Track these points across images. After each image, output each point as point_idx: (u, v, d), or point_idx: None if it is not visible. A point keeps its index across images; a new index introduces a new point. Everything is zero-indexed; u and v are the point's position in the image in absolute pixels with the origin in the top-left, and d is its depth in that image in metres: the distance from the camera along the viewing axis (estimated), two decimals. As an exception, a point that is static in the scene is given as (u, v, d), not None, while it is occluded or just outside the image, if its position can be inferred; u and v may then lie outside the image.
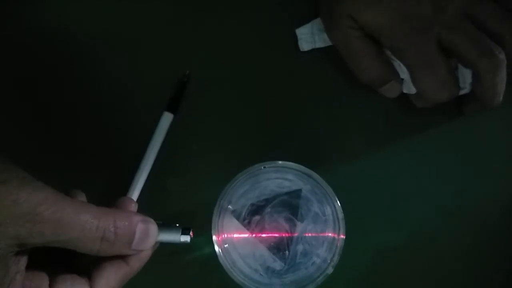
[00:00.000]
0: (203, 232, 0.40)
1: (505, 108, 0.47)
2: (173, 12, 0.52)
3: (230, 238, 0.41)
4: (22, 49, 0.51)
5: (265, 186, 0.43)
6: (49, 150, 0.49)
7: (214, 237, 0.40)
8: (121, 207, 0.37)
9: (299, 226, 0.42)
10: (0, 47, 0.50)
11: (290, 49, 0.51)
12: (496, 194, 0.49)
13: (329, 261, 0.40)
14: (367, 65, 0.47)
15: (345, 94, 0.50)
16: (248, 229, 0.42)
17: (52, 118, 0.50)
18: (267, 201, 0.42)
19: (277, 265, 0.41)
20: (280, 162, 0.40)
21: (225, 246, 0.40)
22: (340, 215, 0.40)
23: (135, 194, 0.47)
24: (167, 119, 0.48)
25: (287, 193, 0.43)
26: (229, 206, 0.41)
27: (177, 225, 0.37)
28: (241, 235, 0.42)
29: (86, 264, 0.35)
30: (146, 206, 0.41)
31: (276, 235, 0.42)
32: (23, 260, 0.31)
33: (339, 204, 0.40)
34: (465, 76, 0.46)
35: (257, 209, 0.42)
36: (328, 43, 0.50)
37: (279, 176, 0.43)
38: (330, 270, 0.39)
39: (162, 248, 0.38)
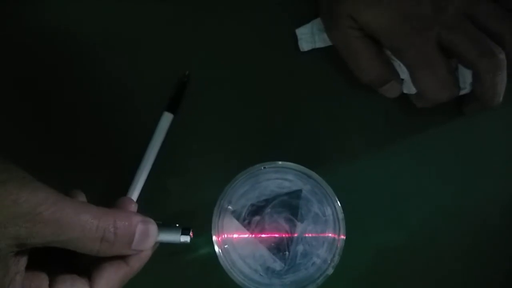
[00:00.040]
0: (203, 232, 0.40)
1: (505, 108, 0.47)
2: (173, 12, 0.52)
3: (230, 238, 0.41)
4: (22, 49, 0.51)
5: (265, 187, 0.43)
6: (49, 150, 0.49)
7: (214, 238, 0.39)
8: (121, 207, 0.37)
9: (299, 226, 0.42)
10: (0, 47, 0.50)
11: (290, 49, 0.51)
12: (496, 194, 0.49)
13: (329, 262, 0.40)
14: (367, 65, 0.47)
15: (345, 94, 0.50)
16: (248, 230, 0.42)
17: (52, 118, 0.50)
18: (267, 201, 0.42)
19: (277, 265, 0.41)
20: (280, 162, 0.40)
21: (225, 246, 0.40)
22: (341, 215, 0.40)
23: (135, 194, 0.47)
24: (167, 119, 0.48)
25: (287, 194, 0.42)
26: (229, 207, 0.41)
27: (177, 225, 0.37)
28: (241, 235, 0.42)
29: (86, 264, 0.35)
30: (146, 206, 0.41)
31: (276, 235, 0.42)
32: (23, 260, 0.31)
33: (339, 205, 0.40)
34: (465, 76, 0.46)
35: (257, 210, 0.42)
36: (328, 43, 0.50)
37: (279, 177, 0.43)
38: (330, 271, 0.39)
39: (162, 248, 0.38)
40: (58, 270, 0.33)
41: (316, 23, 0.50)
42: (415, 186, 0.49)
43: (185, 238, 0.37)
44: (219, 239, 0.40)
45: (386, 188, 0.49)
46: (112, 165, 0.49)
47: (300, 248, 0.42)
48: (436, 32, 0.44)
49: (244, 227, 0.42)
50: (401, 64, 0.47)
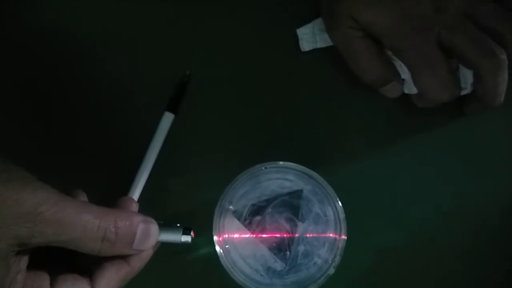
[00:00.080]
0: (204, 232, 0.40)
1: (506, 109, 0.47)
2: (173, 12, 0.52)
3: (231, 238, 0.41)
4: (22, 49, 0.51)
5: (266, 187, 0.43)
6: (49, 150, 0.49)
7: (215, 238, 0.39)
8: (122, 207, 0.37)
9: (300, 226, 0.42)
10: (0, 47, 0.50)
11: (290, 49, 0.51)
12: (496, 194, 0.49)
13: (330, 262, 0.39)
14: (368, 65, 0.47)
15: (346, 94, 0.50)
16: (249, 230, 0.42)
17: (52, 118, 0.50)
18: (268, 201, 0.42)
19: (278, 265, 0.41)
20: (281, 162, 0.40)
21: (226, 246, 0.40)
22: (342, 215, 0.40)
23: (136, 194, 0.46)
24: (168, 119, 0.48)
25: (288, 194, 0.42)
26: (230, 207, 0.41)
27: (178, 225, 0.37)
28: (242, 235, 0.42)
29: (87, 264, 0.35)
30: (147, 206, 0.41)
31: (277, 235, 0.42)
32: (24, 260, 0.31)
33: (341, 205, 0.40)
34: (466, 77, 0.46)
35: (258, 210, 0.42)
36: (329, 43, 0.50)
37: (280, 177, 0.43)
38: (331, 271, 0.39)
39: (163, 248, 0.38)
40: (59, 270, 0.33)
41: (317, 23, 0.50)
42: (416, 186, 0.49)
43: (186, 238, 0.37)
44: (220, 239, 0.40)
45: (386, 188, 0.49)
46: (112, 165, 0.48)
47: (301, 248, 0.42)
48: (436, 32, 0.44)
49: (245, 227, 0.42)
50: (402, 64, 0.47)
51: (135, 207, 0.37)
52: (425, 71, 0.45)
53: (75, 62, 0.50)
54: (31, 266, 0.31)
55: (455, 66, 0.46)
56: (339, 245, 0.40)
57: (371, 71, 0.47)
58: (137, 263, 0.35)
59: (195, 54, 0.51)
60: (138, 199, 0.46)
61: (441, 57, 0.44)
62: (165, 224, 0.37)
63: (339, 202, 0.40)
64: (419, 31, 0.44)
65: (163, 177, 0.48)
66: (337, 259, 0.39)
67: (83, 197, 0.36)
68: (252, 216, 0.42)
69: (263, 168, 0.40)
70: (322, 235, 0.41)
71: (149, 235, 0.35)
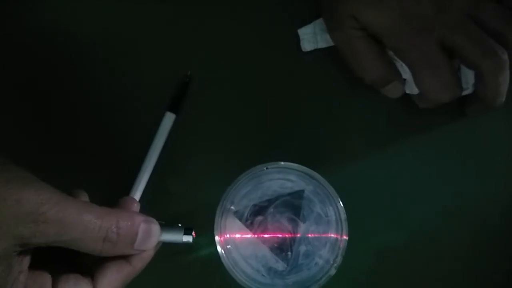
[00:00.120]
0: (205, 232, 0.40)
1: (507, 109, 0.47)
2: (173, 12, 0.52)
3: (233, 238, 0.41)
4: (22, 49, 0.51)
5: (268, 187, 0.43)
6: (49, 150, 0.49)
7: (216, 238, 0.39)
8: (124, 207, 0.37)
9: (302, 226, 0.42)
10: (0, 47, 0.50)
11: (290, 49, 0.51)
12: (496, 194, 0.49)
13: (332, 262, 0.39)
14: (369, 65, 0.47)
15: (347, 94, 0.50)
16: (250, 230, 0.42)
17: (52, 118, 0.49)
18: (270, 201, 0.42)
19: (280, 266, 0.41)
20: (282, 163, 0.40)
21: (228, 246, 0.40)
22: (343, 216, 0.40)
23: (137, 194, 0.46)
24: (169, 119, 0.48)
25: (289, 194, 0.42)
26: (232, 207, 0.41)
27: (179, 225, 0.37)
28: (244, 235, 0.42)
29: (89, 264, 0.35)
30: (148, 206, 0.41)
31: (279, 235, 0.42)
32: (26, 260, 0.31)
33: (342, 205, 0.40)
34: (468, 77, 0.46)
35: (259, 210, 0.42)
36: (330, 43, 0.50)
37: (282, 177, 0.43)
38: (333, 271, 0.39)
39: (164, 248, 0.38)
40: (61, 270, 0.33)
41: (318, 23, 0.50)
42: (417, 186, 0.49)
43: (188, 238, 0.37)
44: (222, 239, 0.40)
45: (387, 188, 0.49)
46: (112, 165, 0.48)
47: (302, 248, 0.42)
48: (438, 33, 0.44)
49: (247, 227, 0.42)
50: (403, 64, 0.47)
51: (136, 207, 0.37)
52: (426, 71, 0.45)
53: (75, 62, 0.50)
54: (33, 266, 0.31)
55: (457, 67, 0.46)
56: (341, 246, 0.40)
57: (372, 71, 0.47)
58: (139, 263, 0.35)
59: (195, 54, 0.51)
60: (140, 199, 0.46)
61: (442, 58, 0.44)
62: (167, 224, 0.37)
63: (341, 202, 0.40)
64: (419, 31, 0.44)
65: (164, 177, 0.48)
66: (339, 259, 0.39)
67: (85, 197, 0.36)
68: (254, 217, 0.42)
69: (265, 168, 0.40)
70: (324, 235, 0.41)
71: (151, 235, 0.35)
